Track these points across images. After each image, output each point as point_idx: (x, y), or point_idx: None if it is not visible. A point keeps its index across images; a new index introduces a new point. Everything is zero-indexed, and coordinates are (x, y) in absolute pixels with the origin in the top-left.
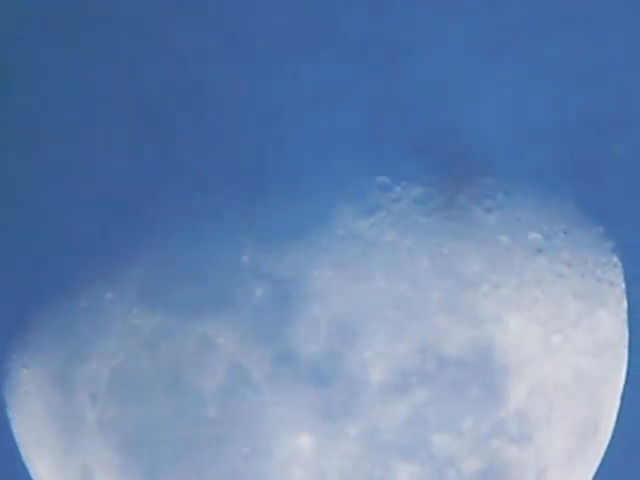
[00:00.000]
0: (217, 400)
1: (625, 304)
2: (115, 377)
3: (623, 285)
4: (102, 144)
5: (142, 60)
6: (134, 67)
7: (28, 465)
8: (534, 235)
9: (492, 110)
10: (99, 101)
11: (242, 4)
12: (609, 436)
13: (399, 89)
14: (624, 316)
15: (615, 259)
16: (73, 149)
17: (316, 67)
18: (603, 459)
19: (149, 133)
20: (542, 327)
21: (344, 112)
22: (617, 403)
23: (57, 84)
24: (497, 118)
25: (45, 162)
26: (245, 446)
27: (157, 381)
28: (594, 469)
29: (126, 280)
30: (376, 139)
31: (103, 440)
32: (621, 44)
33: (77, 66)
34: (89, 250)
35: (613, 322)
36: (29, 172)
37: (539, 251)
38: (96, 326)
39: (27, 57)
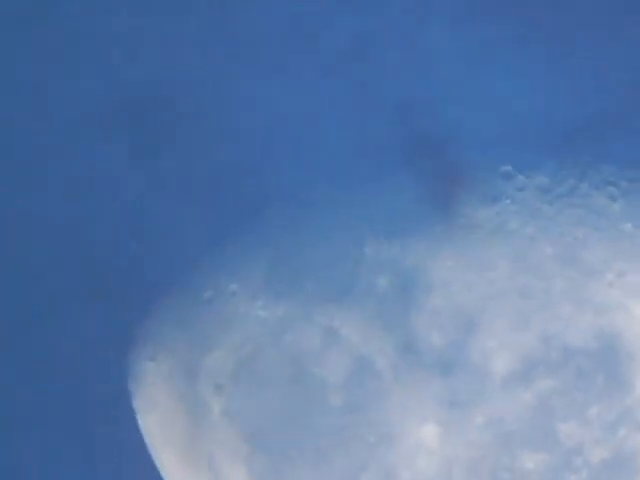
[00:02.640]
0: (342, 390)
1: None
2: (240, 368)
3: None
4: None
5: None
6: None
7: (154, 456)
8: None
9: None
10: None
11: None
12: None
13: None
14: None
15: None
16: None
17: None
18: None
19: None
20: None
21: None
22: None
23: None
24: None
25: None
26: (370, 435)
27: (282, 371)
28: None
29: (250, 272)
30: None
31: (229, 430)
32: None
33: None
34: (212, 243)
35: None
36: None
37: None
38: (220, 317)
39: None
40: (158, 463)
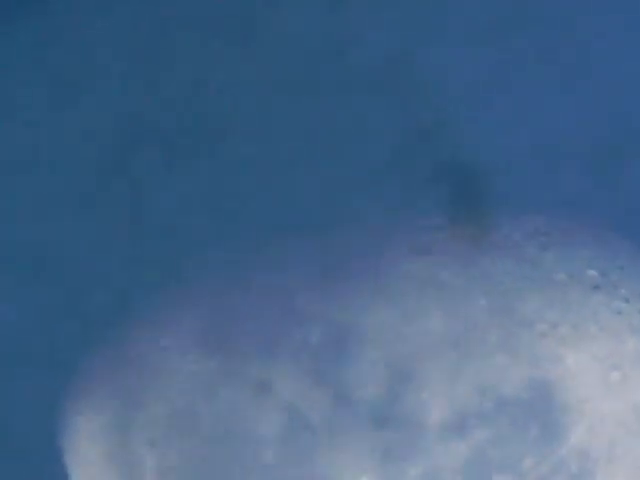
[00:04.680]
0: (275, 445)
1: None
2: (173, 422)
3: None
4: None
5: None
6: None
7: None
8: (591, 272)
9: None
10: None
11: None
12: None
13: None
14: None
15: None
16: None
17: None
18: None
19: None
20: (601, 364)
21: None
22: None
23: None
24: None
25: None
26: None
27: (215, 426)
28: None
29: (181, 326)
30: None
31: None
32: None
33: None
34: (140, 297)
35: None
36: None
37: (596, 288)
38: (152, 372)
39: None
40: None
